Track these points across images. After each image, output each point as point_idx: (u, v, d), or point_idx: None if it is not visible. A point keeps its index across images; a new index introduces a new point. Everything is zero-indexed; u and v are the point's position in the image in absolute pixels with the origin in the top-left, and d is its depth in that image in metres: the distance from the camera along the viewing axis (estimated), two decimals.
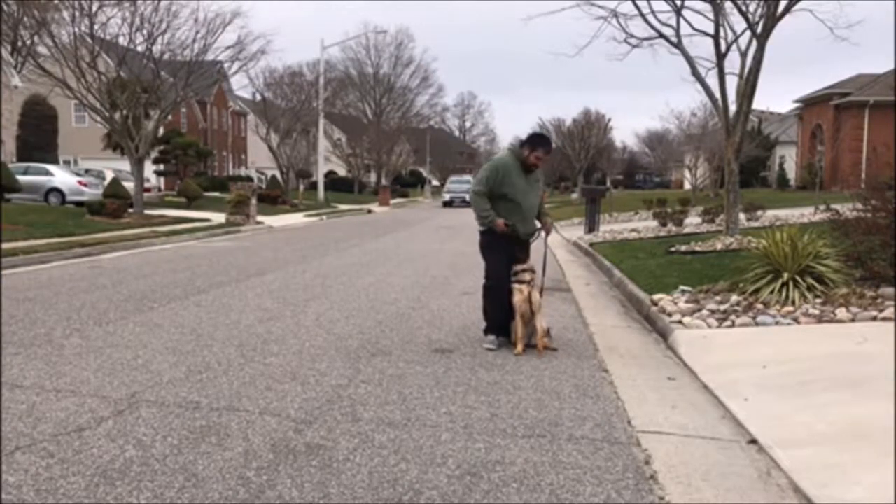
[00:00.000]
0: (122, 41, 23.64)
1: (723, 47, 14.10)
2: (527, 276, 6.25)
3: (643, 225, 20.17)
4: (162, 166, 38.22)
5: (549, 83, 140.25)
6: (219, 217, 23.83)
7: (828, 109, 37.49)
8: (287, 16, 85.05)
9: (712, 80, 14.41)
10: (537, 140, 6.54)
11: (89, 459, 3.76)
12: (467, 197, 36.77)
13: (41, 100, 30.67)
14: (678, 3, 14.32)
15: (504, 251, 6.44)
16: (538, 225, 6.68)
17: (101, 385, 5.09)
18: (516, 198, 6.40)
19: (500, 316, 6.42)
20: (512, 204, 6.40)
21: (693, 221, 19.88)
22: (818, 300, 7.05)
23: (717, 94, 14.36)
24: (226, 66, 29.70)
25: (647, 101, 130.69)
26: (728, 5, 14.05)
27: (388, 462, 3.76)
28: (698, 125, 41.00)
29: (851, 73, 37.31)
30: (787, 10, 13.23)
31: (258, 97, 51.24)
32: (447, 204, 45.97)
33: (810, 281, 7.23)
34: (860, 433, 4.00)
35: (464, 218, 30.71)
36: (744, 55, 13.90)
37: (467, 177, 50.68)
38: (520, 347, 6.12)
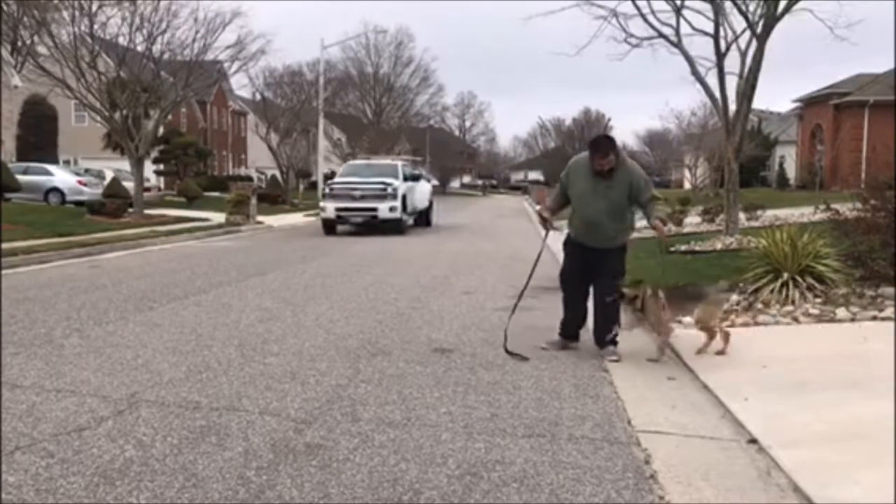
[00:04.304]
0: (122, 41, 23.64)
1: (723, 47, 14.11)
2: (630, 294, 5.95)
3: (643, 224, 20.15)
4: (162, 166, 38.21)
5: (549, 83, 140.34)
6: (219, 217, 23.81)
7: (828, 109, 37.45)
8: (287, 16, 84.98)
9: (712, 80, 14.43)
10: (591, 145, 6.16)
11: (89, 459, 3.76)
12: (384, 210, 19.30)
13: (41, 100, 30.64)
14: (678, 2, 14.34)
15: (576, 257, 6.28)
16: (618, 239, 6.16)
17: (101, 385, 5.09)
18: (574, 201, 6.23)
19: (568, 319, 6.33)
20: (573, 208, 6.28)
21: (693, 221, 19.87)
22: (818, 300, 7.05)
23: (717, 94, 14.37)
24: (226, 65, 29.71)
25: (647, 101, 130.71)
26: (728, 5, 14.07)
27: (388, 462, 3.76)
28: (698, 125, 41.01)
29: (851, 73, 37.29)
30: (787, 9, 13.24)
31: (258, 97, 51.21)
32: (334, 225, 20.45)
33: (810, 280, 7.23)
34: (860, 433, 4.00)
35: (464, 219, 30.56)
36: (744, 55, 13.91)
37: (386, 161, 25.21)
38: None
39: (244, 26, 30.36)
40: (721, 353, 5.82)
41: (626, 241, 6.30)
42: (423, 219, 23.43)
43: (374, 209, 19.69)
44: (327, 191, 20.75)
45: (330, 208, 20.09)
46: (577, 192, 6.16)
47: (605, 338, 6.09)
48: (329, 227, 20.40)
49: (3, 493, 3.36)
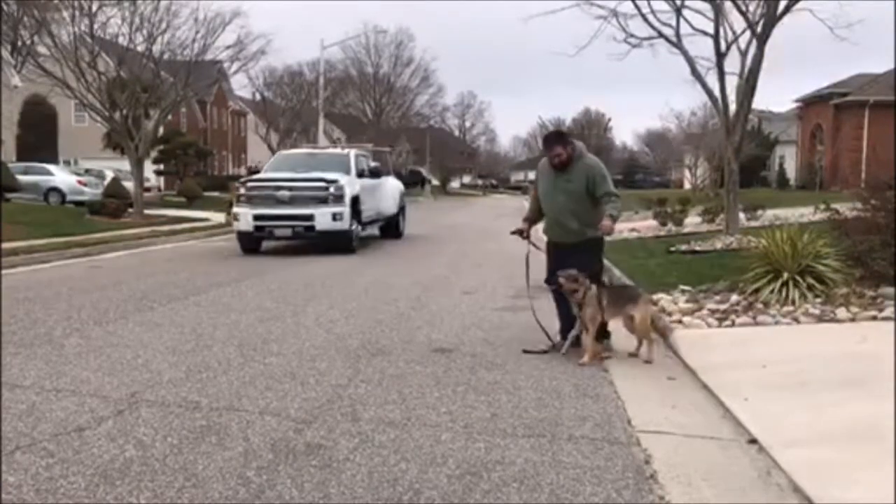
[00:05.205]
0: (122, 41, 23.65)
1: (723, 47, 14.10)
2: (570, 286, 5.94)
3: (643, 224, 20.16)
4: (162, 166, 38.23)
5: (549, 83, 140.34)
6: (219, 217, 23.77)
7: (828, 109, 37.46)
8: (287, 16, 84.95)
9: (712, 80, 14.43)
10: (544, 141, 6.53)
11: (89, 459, 3.76)
12: (323, 218, 13.90)
13: (41, 100, 30.65)
14: (678, 2, 14.32)
15: (552, 255, 6.34)
16: (587, 231, 6.10)
17: (101, 385, 5.09)
18: (541, 200, 6.42)
19: (563, 323, 6.29)
20: (542, 207, 6.45)
21: (693, 221, 19.87)
22: (818, 300, 7.05)
23: (717, 94, 14.36)
24: (226, 65, 29.75)
25: (647, 101, 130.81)
26: (728, 5, 14.06)
27: (388, 462, 3.76)
28: (698, 125, 41.06)
29: (851, 73, 37.29)
30: (787, 9, 13.24)
31: (258, 97, 51.31)
32: (255, 240, 14.66)
33: (810, 280, 7.22)
34: (860, 433, 4.00)
35: (466, 218, 30.56)
36: (744, 55, 13.91)
37: (335, 150, 20.08)
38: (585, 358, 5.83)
39: (244, 26, 30.40)
40: (648, 361, 5.82)
41: (599, 236, 6.21)
42: (390, 228, 18.30)
43: (310, 217, 14.08)
44: (242, 192, 14.68)
45: (246, 217, 14.25)
46: (542, 190, 6.41)
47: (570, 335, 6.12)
48: (248, 242, 14.56)
49: (3, 493, 3.36)
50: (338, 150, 18.39)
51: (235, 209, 14.68)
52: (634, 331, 6.03)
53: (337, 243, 14.37)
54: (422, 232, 21.06)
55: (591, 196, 6.10)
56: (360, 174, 15.98)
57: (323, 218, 14.10)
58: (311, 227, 14.21)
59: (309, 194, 14.25)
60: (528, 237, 6.52)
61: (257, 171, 19.89)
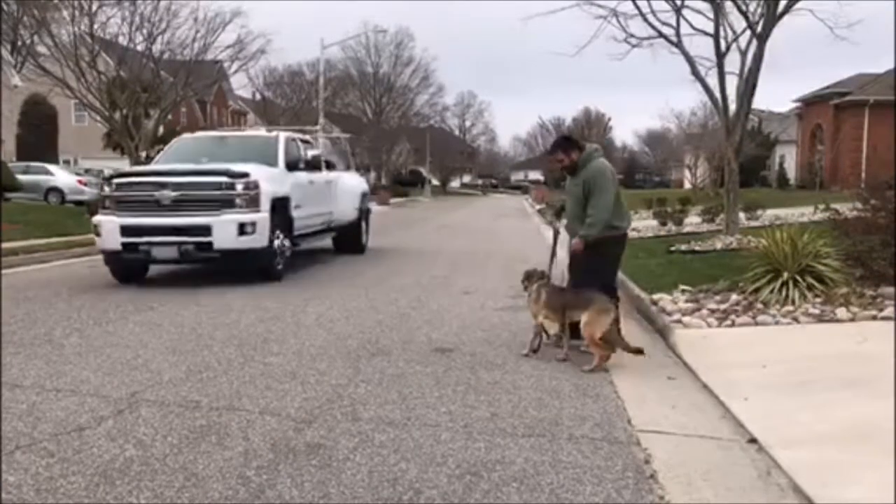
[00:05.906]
0: (122, 41, 23.69)
1: (723, 47, 14.10)
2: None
3: (643, 224, 20.16)
4: None
5: (548, 83, 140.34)
6: None
7: (828, 109, 37.44)
8: (287, 15, 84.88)
9: (712, 80, 14.43)
10: (550, 147, 6.83)
11: (89, 459, 3.76)
12: (224, 230, 9.44)
13: (41, 100, 30.65)
14: (678, 2, 14.32)
15: (571, 254, 6.50)
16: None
17: (101, 384, 5.09)
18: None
19: None
20: None
21: (693, 221, 19.87)
22: (818, 300, 7.05)
23: (717, 94, 14.36)
24: (226, 65, 29.78)
25: (647, 101, 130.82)
26: (728, 5, 14.06)
27: (387, 461, 3.76)
28: (698, 125, 41.04)
29: (851, 73, 37.26)
30: (787, 9, 13.24)
31: (258, 96, 51.35)
32: (125, 265, 9.96)
33: (810, 280, 7.23)
34: (860, 433, 4.00)
35: (466, 218, 30.57)
36: (744, 54, 13.91)
37: (257, 132, 13.97)
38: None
39: (244, 26, 30.38)
40: (593, 370, 5.48)
41: (603, 238, 6.15)
42: (348, 239, 13.98)
43: (204, 229, 9.59)
44: (107, 191, 10.15)
45: (110, 228, 9.80)
46: (565, 191, 6.69)
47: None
48: (118, 266, 10.14)
49: (3, 492, 3.36)
50: (261, 133, 13.22)
51: (96, 218, 10.20)
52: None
53: (249, 267, 10.01)
54: (421, 231, 21.07)
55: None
56: (293, 166, 11.27)
57: (224, 230, 9.57)
58: (207, 245, 9.64)
59: (204, 194, 9.69)
60: (559, 218, 6.91)
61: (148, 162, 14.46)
